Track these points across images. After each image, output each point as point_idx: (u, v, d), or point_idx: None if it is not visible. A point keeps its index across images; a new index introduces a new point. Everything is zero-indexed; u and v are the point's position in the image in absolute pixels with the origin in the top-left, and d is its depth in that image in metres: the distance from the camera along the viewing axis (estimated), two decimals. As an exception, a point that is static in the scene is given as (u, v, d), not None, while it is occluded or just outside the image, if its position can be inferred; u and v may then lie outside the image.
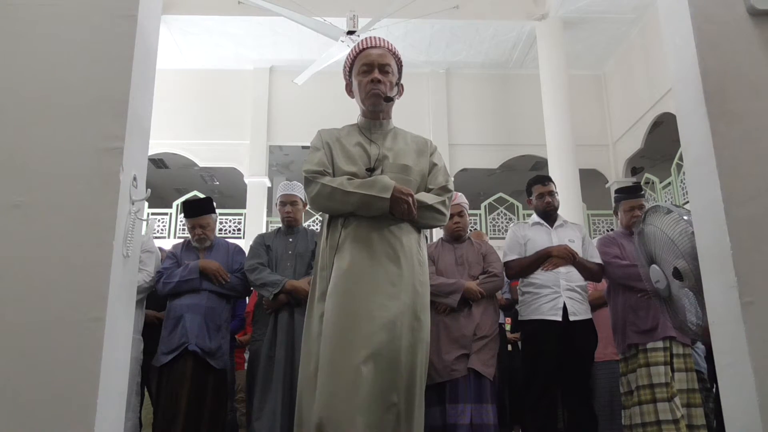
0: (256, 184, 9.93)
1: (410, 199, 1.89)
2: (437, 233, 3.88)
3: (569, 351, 2.89)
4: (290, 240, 3.18)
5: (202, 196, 7.10)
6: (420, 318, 1.87)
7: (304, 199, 3.26)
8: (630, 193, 3.26)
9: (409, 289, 1.86)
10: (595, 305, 3.45)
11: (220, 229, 9.74)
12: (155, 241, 3.92)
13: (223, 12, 8.80)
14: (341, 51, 7.53)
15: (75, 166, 1.28)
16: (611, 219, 9.46)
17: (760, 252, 1.36)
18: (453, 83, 10.47)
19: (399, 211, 1.89)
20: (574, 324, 2.91)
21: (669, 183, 8.32)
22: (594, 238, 3.89)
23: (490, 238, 8.54)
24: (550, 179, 3.27)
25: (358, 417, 1.66)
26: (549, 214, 3.17)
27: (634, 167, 10.56)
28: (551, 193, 3.18)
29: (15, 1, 1.38)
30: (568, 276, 2.98)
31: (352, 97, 2.15)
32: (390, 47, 2.10)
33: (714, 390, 3.27)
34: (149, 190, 1.46)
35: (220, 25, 9.20)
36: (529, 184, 3.29)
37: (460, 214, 3.11)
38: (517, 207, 9.77)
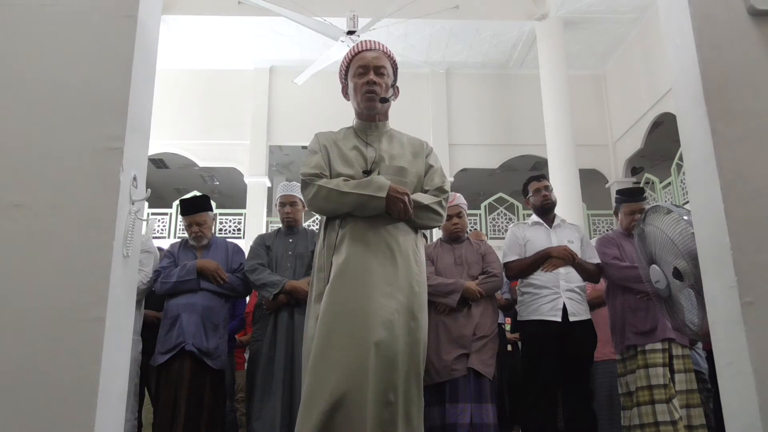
0: (256, 184, 9.94)
1: (406, 198, 1.90)
2: (437, 234, 3.89)
3: (569, 351, 2.90)
4: (290, 240, 3.18)
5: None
6: (417, 318, 1.87)
7: (303, 200, 3.26)
8: (631, 196, 3.25)
9: (406, 289, 1.86)
10: (594, 305, 3.45)
11: (221, 229, 9.75)
12: (155, 241, 3.92)
13: (223, 12, 8.80)
14: (341, 51, 7.53)
15: (75, 166, 1.27)
16: (611, 219, 9.46)
17: (760, 252, 1.36)
18: (453, 83, 10.47)
19: (395, 211, 1.90)
20: (573, 324, 2.92)
21: (669, 183, 8.32)
22: (594, 238, 3.88)
23: (490, 238, 8.56)
24: (544, 176, 3.33)
25: (367, 414, 1.67)
26: (547, 211, 3.17)
27: (634, 167, 10.56)
28: (547, 188, 3.20)
29: (15, 2, 1.38)
30: (567, 277, 2.99)
31: (348, 99, 2.16)
32: (385, 50, 2.12)
33: (714, 390, 3.27)
34: (149, 190, 1.46)
35: (220, 25, 9.20)
36: (524, 184, 3.32)
37: (459, 215, 3.11)
38: (517, 207, 9.77)
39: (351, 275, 1.83)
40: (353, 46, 2.14)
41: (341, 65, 2.16)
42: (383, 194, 1.87)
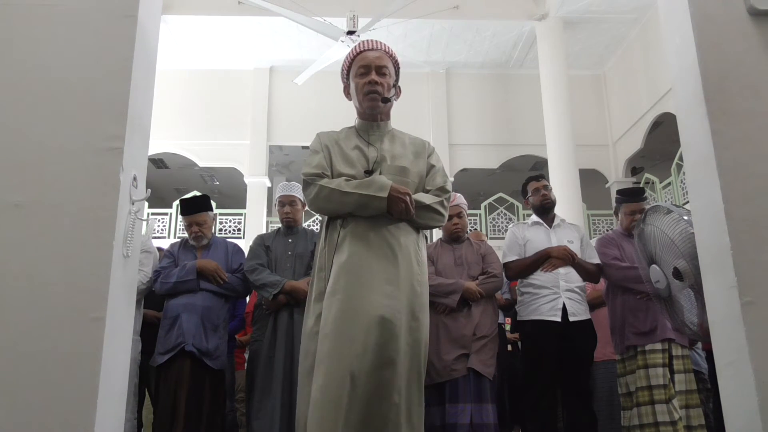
0: (256, 184, 9.94)
1: (408, 198, 1.89)
2: (437, 234, 3.89)
3: (569, 351, 2.89)
4: (289, 240, 3.17)
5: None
6: (418, 318, 1.87)
7: (303, 200, 3.26)
8: (632, 196, 3.25)
9: (407, 289, 1.86)
10: (594, 305, 3.45)
11: (221, 229, 9.75)
12: (155, 241, 3.91)
13: (223, 12, 8.80)
14: (341, 51, 7.54)
15: (75, 166, 1.28)
16: (611, 219, 9.47)
17: (760, 252, 1.36)
18: (453, 83, 10.47)
19: (397, 211, 1.90)
20: (573, 324, 2.92)
21: (669, 183, 8.32)
22: (594, 238, 3.88)
23: (490, 238, 8.56)
24: (543, 175, 3.33)
25: (354, 416, 1.67)
26: (547, 210, 3.17)
27: (634, 167, 10.56)
28: (546, 187, 3.21)
29: (15, 1, 1.38)
30: (567, 277, 2.99)
31: (350, 99, 2.16)
32: (387, 49, 2.11)
33: (714, 390, 3.27)
34: (149, 190, 1.46)
35: (220, 25, 9.20)
36: (523, 184, 3.32)
37: (459, 215, 3.11)
38: (517, 207, 9.77)
39: (352, 275, 1.83)
40: (355, 46, 2.14)
41: (343, 65, 2.15)
42: (385, 194, 1.87)
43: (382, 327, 1.76)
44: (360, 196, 1.88)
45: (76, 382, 1.16)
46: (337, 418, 1.66)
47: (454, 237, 3.13)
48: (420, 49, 9.72)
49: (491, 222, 9.76)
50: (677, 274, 2.06)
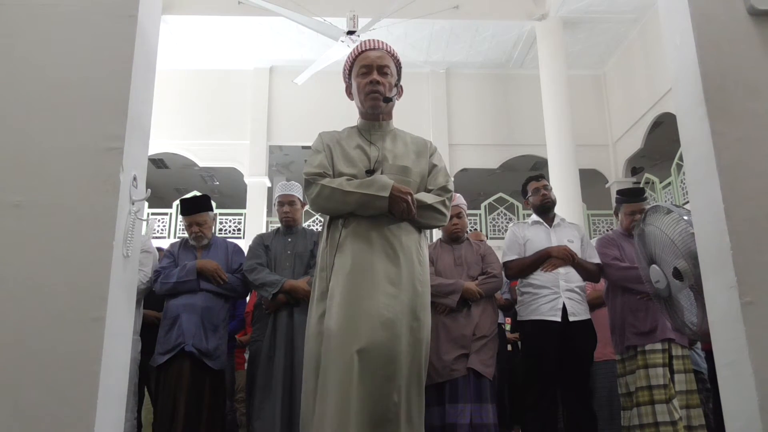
0: (256, 184, 9.94)
1: (409, 198, 1.89)
2: (437, 234, 3.90)
3: (568, 351, 2.89)
4: (289, 240, 3.18)
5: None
6: (419, 318, 1.87)
7: (302, 200, 3.26)
8: (632, 196, 3.25)
9: (409, 289, 1.86)
10: (594, 305, 3.45)
11: (221, 229, 9.76)
12: (155, 241, 3.91)
13: (223, 12, 8.81)
14: (341, 51, 7.54)
15: (75, 166, 1.27)
16: (611, 219, 9.47)
17: (760, 252, 1.35)
18: (453, 83, 10.47)
19: (398, 210, 1.89)
20: (573, 324, 2.91)
21: (669, 183, 8.33)
22: (594, 238, 3.87)
23: (490, 238, 8.56)
24: (542, 175, 3.32)
25: (356, 415, 1.68)
26: (547, 209, 3.17)
27: (634, 167, 10.57)
28: (546, 187, 3.20)
29: (15, 1, 1.38)
30: (567, 276, 2.98)
31: (352, 99, 2.16)
32: (389, 49, 2.11)
33: (714, 390, 3.27)
34: (149, 190, 1.46)
35: (220, 25, 9.21)
36: (523, 185, 3.32)
37: (459, 215, 3.11)
38: (517, 207, 9.78)
39: (353, 274, 1.83)
40: (357, 45, 2.14)
41: (345, 65, 2.15)
42: (386, 194, 1.87)
43: (383, 327, 1.76)
44: (361, 196, 1.88)
45: (76, 382, 1.16)
46: (341, 416, 1.66)
47: (453, 237, 3.13)
48: (420, 49, 9.73)
49: (491, 222, 9.76)
50: (677, 274, 2.06)
